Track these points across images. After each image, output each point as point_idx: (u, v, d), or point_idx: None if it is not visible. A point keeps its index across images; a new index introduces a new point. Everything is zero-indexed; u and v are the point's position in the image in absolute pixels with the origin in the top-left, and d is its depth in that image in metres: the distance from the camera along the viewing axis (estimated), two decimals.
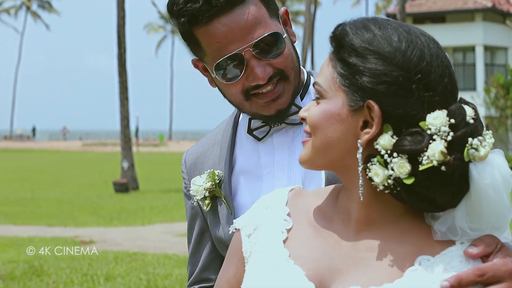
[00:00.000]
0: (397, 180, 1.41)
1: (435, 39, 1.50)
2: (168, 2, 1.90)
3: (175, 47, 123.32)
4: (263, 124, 1.97)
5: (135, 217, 16.71)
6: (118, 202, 20.20)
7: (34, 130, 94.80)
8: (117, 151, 36.02)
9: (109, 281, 9.44)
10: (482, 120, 1.74)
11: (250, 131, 1.99)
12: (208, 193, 1.99)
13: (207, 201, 1.99)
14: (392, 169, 1.41)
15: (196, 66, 1.99)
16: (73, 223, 15.78)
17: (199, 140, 2.21)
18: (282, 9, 1.99)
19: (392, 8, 46.39)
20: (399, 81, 1.42)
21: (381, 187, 1.44)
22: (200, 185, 1.99)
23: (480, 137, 1.42)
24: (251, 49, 1.84)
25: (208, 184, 1.98)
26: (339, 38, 1.51)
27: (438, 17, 38.00)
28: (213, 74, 1.90)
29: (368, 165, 1.45)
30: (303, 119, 1.56)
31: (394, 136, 1.43)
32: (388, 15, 38.76)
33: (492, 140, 1.45)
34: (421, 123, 1.41)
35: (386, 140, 1.42)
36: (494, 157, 1.44)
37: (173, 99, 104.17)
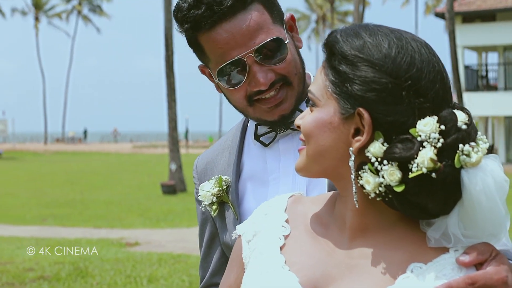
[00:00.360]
0: (388, 188, 1.40)
1: (428, 44, 1.49)
2: (174, 9, 1.91)
3: None
4: (270, 130, 1.97)
5: (181, 219, 16.83)
6: (165, 204, 20.37)
7: (85, 132, 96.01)
8: (166, 153, 36.33)
9: (152, 283, 9.52)
10: None
11: (256, 137, 1.99)
12: (216, 198, 2.00)
13: (214, 207, 2.01)
14: (383, 177, 1.40)
15: (203, 72, 2.01)
16: (120, 225, 15.96)
17: None
18: (287, 15, 1.99)
19: (442, 6, 45.88)
20: (388, 88, 1.41)
21: (372, 195, 1.43)
22: (207, 190, 2.00)
23: (472, 143, 1.40)
24: (252, 55, 1.85)
25: (215, 190, 1.99)
26: (330, 45, 1.51)
27: (488, 16, 37.40)
28: (216, 79, 1.91)
29: (360, 172, 1.44)
30: (299, 127, 1.56)
31: (385, 144, 1.42)
32: (437, 14, 38.32)
33: (486, 145, 1.42)
34: (411, 130, 1.40)
35: (376, 148, 1.41)
36: (487, 163, 1.42)
37: (223, 101, 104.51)
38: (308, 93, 1.54)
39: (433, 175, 1.37)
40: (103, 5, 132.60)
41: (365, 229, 1.51)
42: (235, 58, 1.85)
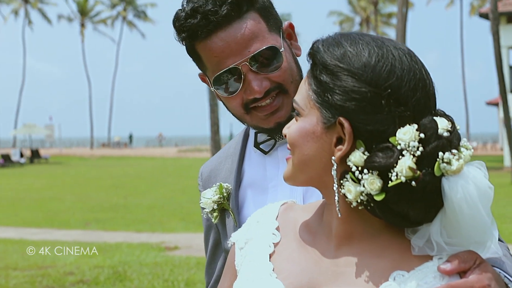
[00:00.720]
0: (369, 196, 1.41)
1: (412, 52, 1.48)
2: (173, 18, 1.94)
3: None
4: (269, 137, 1.98)
5: None
6: None
7: (131, 137, 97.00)
8: (210, 157, 36.70)
9: (189, 287, 9.57)
10: None
11: (256, 144, 2.01)
12: (217, 205, 2.02)
13: (215, 214, 2.03)
14: (364, 186, 1.40)
15: (203, 80, 2.03)
16: (161, 229, 16.06)
17: None
18: (286, 23, 2.00)
19: (487, 7, 45.30)
20: (367, 97, 1.41)
21: (354, 204, 1.44)
22: (209, 198, 2.02)
23: (454, 150, 1.39)
24: (247, 63, 1.86)
25: (216, 197, 2.01)
26: (312, 55, 1.52)
27: None
28: (212, 87, 1.93)
29: (342, 181, 1.45)
30: (286, 136, 1.57)
31: (366, 152, 1.42)
32: (481, 14, 37.89)
33: (470, 152, 1.41)
34: (391, 139, 1.40)
35: (357, 157, 1.42)
36: (470, 170, 1.40)
37: None
38: (293, 102, 1.55)
39: (413, 183, 1.36)
40: (148, 10, 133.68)
41: (350, 237, 1.51)
42: (230, 66, 1.87)
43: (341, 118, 1.43)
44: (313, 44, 1.53)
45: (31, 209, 20.75)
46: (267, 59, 1.88)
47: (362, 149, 1.42)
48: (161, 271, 10.59)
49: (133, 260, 11.43)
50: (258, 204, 1.96)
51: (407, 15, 32.51)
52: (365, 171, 1.40)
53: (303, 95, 1.52)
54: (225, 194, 2.02)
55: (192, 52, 1.95)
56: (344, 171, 1.45)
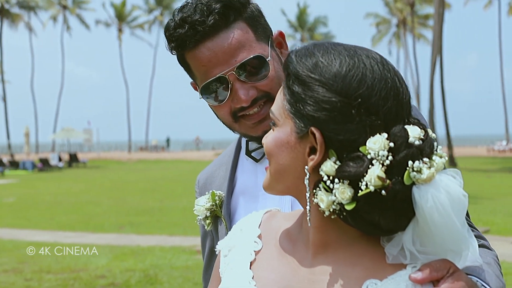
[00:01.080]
0: (341, 205, 1.41)
1: (385, 61, 1.48)
2: (164, 28, 1.97)
3: None
4: (260, 145, 2.00)
5: None
6: None
7: (168, 140, 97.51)
8: None
9: None
10: None
11: (248, 152, 2.03)
12: (210, 213, 2.04)
13: (208, 221, 2.05)
14: (335, 195, 1.41)
15: (195, 88, 2.05)
16: (193, 233, 16.11)
17: None
18: (276, 32, 2.01)
19: None
20: (338, 107, 1.41)
21: (327, 213, 1.44)
22: (202, 205, 2.05)
23: (425, 159, 1.39)
24: (234, 72, 1.88)
25: (209, 205, 2.03)
26: (285, 66, 1.53)
27: None
28: (200, 96, 1.95)
29: (315, 190, 1.45)
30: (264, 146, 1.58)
31: (337, 162, 1.42)
32: None
33: (443, 160, 1.41)
34: (361, 148, 1.40)
35: (328, 166, 1.42)
36: (442, 179, 1.39)
37: None
38: (270, 113, 1.56)
39: (383, 192, 1.36)
40: None
41: (326, 245, 1.52)
42: (217, 75, 1.89)
43: (313, 128, 1.43)
44: (287, 55, 1.54)
45: (67, 213, 20.97)
46: (254, 68, 1.89)
47: (333, 158, 1.42)
48: (192, 275, 10.65)
49: (165, 264, 11.51)
50: (249, 211, 1.97)
51: (443, 16, 32.24)
52: (336, 180, 1.40)
53: (279, 105, 1.53)
54: (217, 202, 2.04)
55: (182, 62, 1.97)
56: (318, 180, 1.45)
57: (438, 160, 1.40)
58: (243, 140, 2.08)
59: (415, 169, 1.38)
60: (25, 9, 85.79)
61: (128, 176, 40.82)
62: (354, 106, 1.41)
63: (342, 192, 1.39)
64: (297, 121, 1.47)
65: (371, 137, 1.40)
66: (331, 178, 1.42)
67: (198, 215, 2.07)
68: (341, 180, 1.40)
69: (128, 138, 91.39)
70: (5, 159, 55.69)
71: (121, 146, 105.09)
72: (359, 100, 1.41)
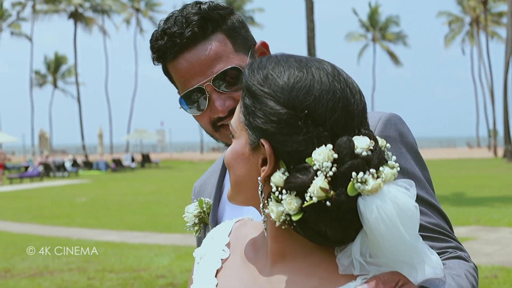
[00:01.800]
0: (290, 216, 1.42)
1: (337, 71, 1.48)
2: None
3: (377, 56, 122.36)
4: None
5: None
6: None
7: None
8: None
9: None
10: None
11: None
12: (198, 220, 2.08)
13: (196, 228, 2.09)
14: (284, 205, 1.42)
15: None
16: None
17: None
18: (258, 42, 2.04)
19: None
20: (284, 119, 1.42)
21: (278, 223, 1.45)
22: (190, 212, 2.09)
23: (372, 170, 1.38)
24: (211, 83, 1.92)
25: (196, 212, 2.08)
26: (241, 79, 1.55)
27: None
28: (180, 106, 2.00)
29: (267, 201, 1.47)
30: None
31: (286, 173, 1.43)
32: None
33: (393, 171, 1.40)
34: (307, 159, 1.40)
35: (276, 177, 1.43)
36: (390, 190, 1.37)
37: (374, 107, 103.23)
38: (229, 125, 1.60)
39: (328, 203, 1.36)
40: (255, 15, 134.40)
41: (283, 255, 1.53)
42: (194, 86, 1.94)
43: (262, 140, 1.45)
44: (245, 68, 1.57)
45: (136, 213, 21.33)
46: (232, 78, 1.93)
47: (283, 169, 1.43)
48: None
49: None
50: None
51: None
52: (284, 191, 1.41)
53: (236, 117, 1.56)
54: (205, 209, 2.08)
55: (166, 72, 2.03)
56: (270, 191, 1.46)
57: (388, 170, 1.39)
58: None
59: (359, 180, 1.37)
60: (98, 13, 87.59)
61: (199, 177, 41.04)
62: (301, 118, 1.41)
63: (289, 203, 1.40)
64: (250, 133, 1.49)
65: (317, 148, 1.41)
66: (279, 189, 1.43)
67: (187, 222, 2.11)
68: (289, 191, 1.41)
69: (200, 139, 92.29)
70: (80, 159, 57.03)
71: (193, 146, 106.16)
72: (306, 111, 1.41)
